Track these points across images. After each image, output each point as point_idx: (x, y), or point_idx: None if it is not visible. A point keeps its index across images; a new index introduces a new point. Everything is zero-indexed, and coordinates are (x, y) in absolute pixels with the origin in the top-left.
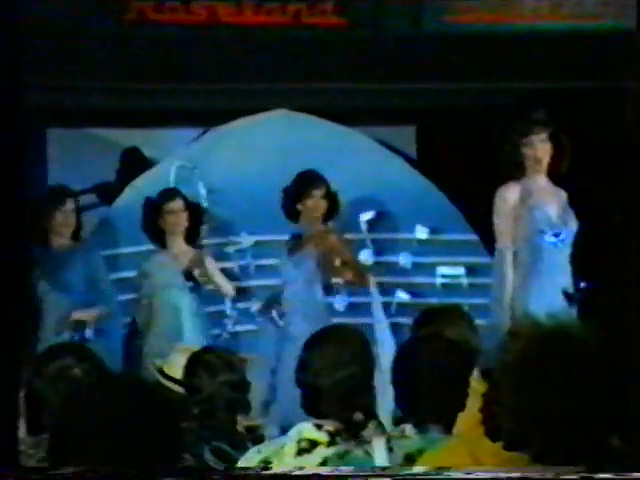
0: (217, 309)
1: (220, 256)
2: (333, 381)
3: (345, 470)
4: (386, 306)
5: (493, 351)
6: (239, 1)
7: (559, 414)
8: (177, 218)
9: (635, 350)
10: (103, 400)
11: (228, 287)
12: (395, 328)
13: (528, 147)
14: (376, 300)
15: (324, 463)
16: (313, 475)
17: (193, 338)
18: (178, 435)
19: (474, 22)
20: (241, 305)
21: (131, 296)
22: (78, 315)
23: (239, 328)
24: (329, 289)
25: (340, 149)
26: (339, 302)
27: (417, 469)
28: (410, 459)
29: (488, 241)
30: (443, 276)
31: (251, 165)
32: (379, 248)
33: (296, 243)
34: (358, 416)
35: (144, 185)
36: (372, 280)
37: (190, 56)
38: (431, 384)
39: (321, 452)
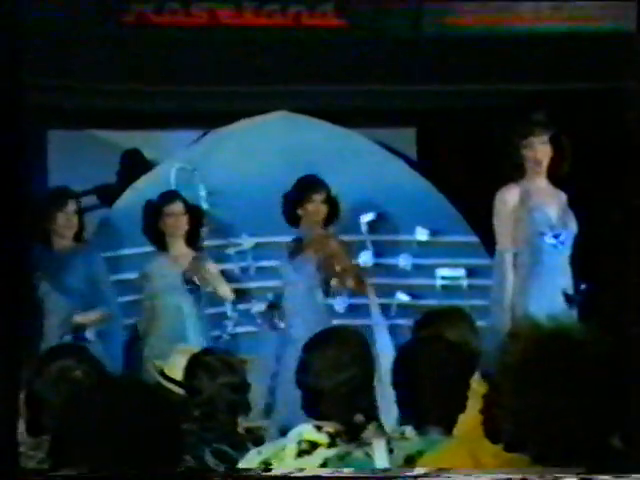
0: (218, 311)
1: (220, 258)
2: (333, 383)
3: (345, 472)
4: (386, 308)
5: (493, 353)
6: (239, 3)
7: (559, 416)
8: (177, 221)
9: (635, 352)
10: (104, 402)
11: (226, 290)
12: (395, 329)
13: (528, 149)
14: (374, 304)
15: (324, 464)
16: (313, 477)
17: (194, 340)
18: (178, 437)
19: (474, 24)
20: (241, 307)
21: (132, 298)
22: (80, 318)
23: (239, 330)
24: (329, 292)
25: (340, 151)
26: (339, 304)
27: (417, 471)
28: (410, 461)
29: (488, 243)
30: (443, 278)
31: (251, 167)
32: (379, 250)
33: (297, 247)
34: (358, 418)
35: (144, 187)
36: (371, 288)
37: (190, 58)
38: (431, 386)
39: (321, 453)
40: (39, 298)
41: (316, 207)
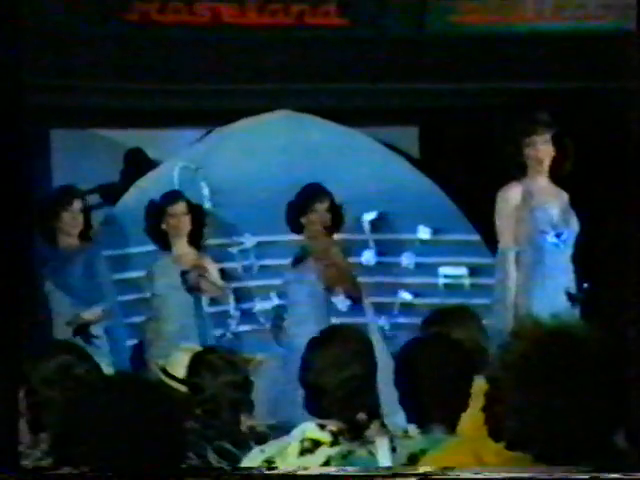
0: (221, 309)
1: (223, 256)
2: (336, 381)
3: (348, 470)
4: (388, 306)
5: (496, 351)
6: (242, 2)
7: (562, 414)
8: (180, 221)
9: (637, 350)
10: (106, 400)
11: (221, 286)
12: (398, 328)
13: (530, 148)
14: (369, 305)
15: (327, 463)
16: (316, 475)
17: (197, 338)
18: (181, 435)
19: (477, 23)
20: (245, 305)
21: (135, 296)
22: (86, 316)
23: (242, 328)
24: (330, 294)
25: (343, 149)
26: (341, 304)
27: (420, 469)
28: (413, 459)
29: (490, 241)
30: (445, 276)
31: (254, 165)
32: (382, 248)
33: (300, 256)
34: (361, 416)
35: (148, 186)
36: (368, 301)
37: (193, 57)
38: (434, 384)
39: (324, 452)
40: (43, 296)
41: (319, 216)
